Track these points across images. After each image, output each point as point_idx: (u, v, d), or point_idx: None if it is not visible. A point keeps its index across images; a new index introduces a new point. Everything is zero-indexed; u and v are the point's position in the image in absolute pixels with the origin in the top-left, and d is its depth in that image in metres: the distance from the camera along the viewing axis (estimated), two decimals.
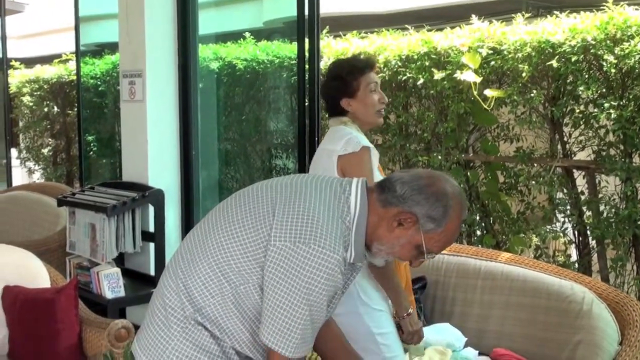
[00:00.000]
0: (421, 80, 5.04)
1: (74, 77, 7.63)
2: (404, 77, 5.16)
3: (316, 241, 1.78)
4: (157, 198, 5.01)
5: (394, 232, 1.89)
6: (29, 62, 9.97)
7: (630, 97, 4.21)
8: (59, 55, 8.77)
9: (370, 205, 1.90)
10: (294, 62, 5.09)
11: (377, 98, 2.85)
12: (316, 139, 4.61)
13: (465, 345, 3.21)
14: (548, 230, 4.85)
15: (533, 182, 4.84)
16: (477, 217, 5.14)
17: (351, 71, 2.83)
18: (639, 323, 2.90)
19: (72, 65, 8.17)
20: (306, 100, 4.67)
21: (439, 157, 5.11)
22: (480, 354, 3.19)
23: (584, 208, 4.70)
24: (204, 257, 1.88)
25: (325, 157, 2.72)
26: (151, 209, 5.04)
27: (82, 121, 6.90)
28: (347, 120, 2.80)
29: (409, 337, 2.73)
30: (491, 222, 5.15)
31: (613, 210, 4.49)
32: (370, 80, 2.84)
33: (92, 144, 7.25)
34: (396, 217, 1.88)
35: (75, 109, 7.44)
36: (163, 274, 1.99)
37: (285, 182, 1.95)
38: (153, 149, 5.18)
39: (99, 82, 7.18)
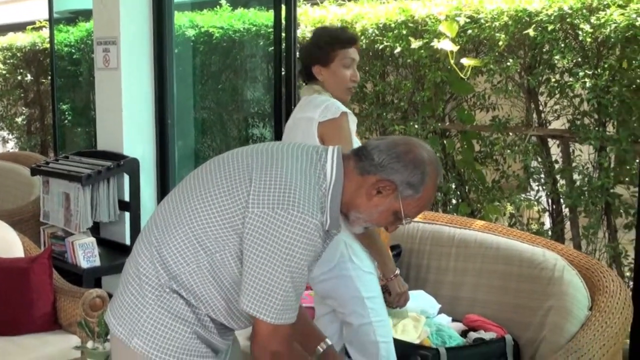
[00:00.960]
0: (398, 49, 5.02)
1: (48, 45, 7.53)
2: (381, 46, 5.14)
3: (295, 206, 1.77)
4: (132, 167, 4.98)
5: (372, 200, 1.89)
6: (1, 30, 9.81)
7: (605, 66, 4.23)
8: (32, 23, 8.62)
9: (346, 173, 1.90)
10: (270, 30, 5.05)
11: (349, 74, 2.82)
12: (292, 107, 4.59)
13: (439, 312, 3.24)
14: (522, 198, 4.89)
15: (508, 150, 4.86)
16: (453, 186, 5.17)
17: (330, 42, 2.81)
18: (609, 289, 2.94)
19: (45, 32, 8.04)
20: (283, 69, 4.64)
21: (416, 126, 5.11)
22: (453, 320, 3.22)
23: (558, 177, 4.74)
24: (179, 225, 1.86)
25: (303, 126, 2.70)
26: (126, 178, 5.02)
27: (56, 90, 6.82)
28: (320, 88, 2.79)
29: (396, 299, 2.76)
30: (466, 190, 5.18)
31: (586, 179, 4.53)
32: (347, 55, 2.81)
33: (66, 113, 7.17)
34: (375, 185, 1.88)
35: (49, 78, 7.34)
36: (136, 242, 1.97)
37: (261, 149, 1.94)
38: (128, 118, 5.14)
39: (73, 50, 7.08)
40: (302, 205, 1.77)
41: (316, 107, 2.70)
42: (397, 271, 2.78)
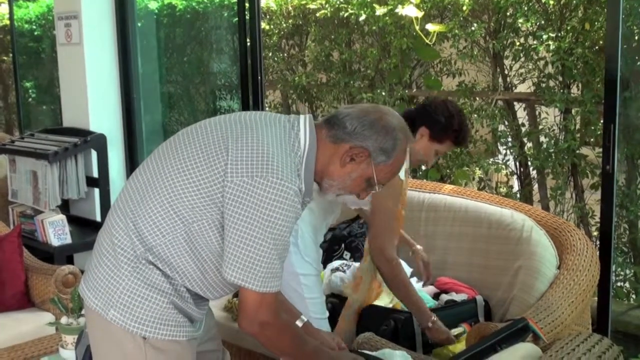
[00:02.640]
0: (363, 17, 5.01)
1: (7, 22, 7.38)
2: (346, 14, 5.12)
3: (273, 173, 1.77)
4: (99, 143, 4.94)
5: (345, 167, 1.92)
6: None
7: (568, 28, 4.27)
8: None
9: (319, 141, 1.92)
10: (234, 0, 5.01)
11: (432, 158, 2.87)
12: (259, 77, 4.57)
13: (411, 276, 3.26)
14: (491, 162, 4.94)
15: (475, 115, 4.90)
16: None
17: (455, 130, 2.80)
18: (576, 247, 2.99)
19: (4, 9, 7.88)
20: (248, 40, 4.61)
21: (383, 94, 5.12)
22: (425, 284, 3.26)
23: (525, 139, 4.79)
24: (155, 196, 1.86)
25: None
26: (94, 154, 4.97)
27: (18, 67, 6.71)
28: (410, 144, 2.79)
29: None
30: None
31: (552, 141, 4.58)
32: (447, 149, 2.87)
33: (30, 91, 7.06)
34: (348, 153, 1.91)
35: (11, 55, 7.21)
36: (109, 215, 1.96)
37: (233, 118, 1.94)
38: (93, 93, 5.08)
39: (34, 27, 6.96)
40: (280, 172, 1.78)
41: None
42: (434, 317, 2.78)
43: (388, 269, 2.74)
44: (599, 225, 3.75)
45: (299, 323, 2.21)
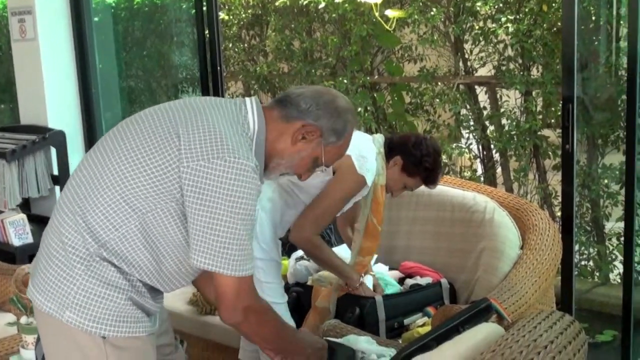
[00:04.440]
0: (322, 4, 4.99)
1: None
2: (306, 2, 5.09)
3: (230, 153, 1.74)
4: (58, 140, 4.85)
5: (296, 145, 1.93)
6: None
7: (527, 10, 4.29)
8: None
9: (268, 121, 1.91)
10: None
11: (398, 187, 2.89)
12: (219, 69, 4.53)
13: (376, 262, 3.26)
14: (454, 147, 4.95)
15: (437, 100, 4.91)
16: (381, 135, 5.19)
17: (426, 169, 2.83)
18: (538, 227, 3.00)
19: None
20: (206, 31, 4.55)
21: (345, 81, 5.11)
22: (390, 269, 3.26)
23: (487, 123, 4.81)
24: (104, 189, 1.80)
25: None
26: (54, 151, 4.89)
27: None
28: (381, 159, 2.80)
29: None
30: None
31: (514, 123, 4.61)
32: (417, 184, 2.88)
33: None
34: (300, 131, 1.91)
35: None
36: (55, 213, 1.89)
37: (179, 104, 1.90)
38: (50, 90, 4.98)
39: None
40: (236, 151, 1.76)
41: (364, 151, 2.72)
42: (362, 279, 2.89)
43: (314, 252, 2.80)
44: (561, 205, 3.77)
45: None
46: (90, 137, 5.18)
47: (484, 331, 1.89)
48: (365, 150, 2.73)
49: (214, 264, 1.75)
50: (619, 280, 4.32)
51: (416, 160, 2.82)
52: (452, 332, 1.93)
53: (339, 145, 1.99)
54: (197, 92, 5.63)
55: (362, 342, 2.34)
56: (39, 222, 4.88)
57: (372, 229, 2.88)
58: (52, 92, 5.00)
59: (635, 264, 3.47)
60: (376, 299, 2.85)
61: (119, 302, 1.81)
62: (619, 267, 4.36)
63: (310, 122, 1.92)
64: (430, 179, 2.87)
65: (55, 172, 4.89)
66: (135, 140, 1.83)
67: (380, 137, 2.88)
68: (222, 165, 1.73)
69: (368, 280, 2.98)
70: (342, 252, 3.10)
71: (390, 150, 2.84)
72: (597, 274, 4.46)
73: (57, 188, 4.91)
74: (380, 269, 3.21)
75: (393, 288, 3.05)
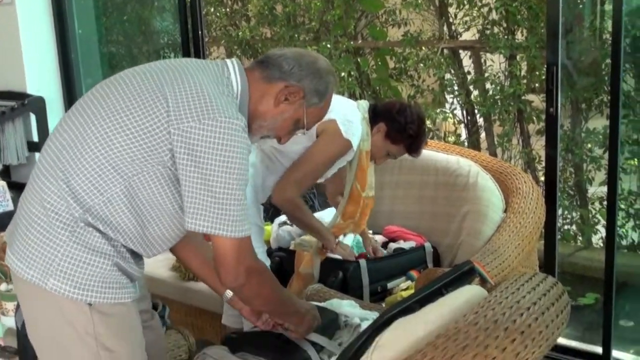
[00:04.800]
0: None
1: None
2: None
3: (220, 113, 1.71)
4: (38, 106, 4.78)
5: (279, 106, 1.91)
6: None
7: None
8: None
9: (251, 82, 1.88)
10: None
11: (381, 154, 2.87)
12: (200, 33, 4.46)
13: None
14: (438, 112, 4.94)
15: (422, 65, 4.88)
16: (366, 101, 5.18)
17: (409, 136, 2.80)
18: (522, 190, 2.99)
19: None
20: None
21: (328, 46, 5.06)
22: (373, 233, 3.25)
23: (471, 87, 4.79)
24: (88, 153, 1.74)
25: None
26: (33, 117, 4.82)
27: None
28: (366, 125, 2.78)
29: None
30: None
31: (498, 87, 4.60)
32: (400, 152, 2.86)
33: None
34: (283, 92, 1.89)
35: None
36: (35, 177, 1.83)
37: (160, 65, 1.86)
38: (29, 55, 4.89)
39: None
40: (226, 111, 1.73)
41: (348, 115, 2.70)
42: (337, 239, 2.88)
43: (294, 213, 2.80)
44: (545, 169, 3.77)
45: None
46: (71, 103, 5.10)
47: (467, 293, 1.88)
48: (350, 115, 2.71)
49: (213, 226, 1.72)
50: (601, 244, 4.35)
51: (400, 127, 2.79)
52: (435, 294, 1.91)
53: (320, 107, 1.97)
54: (178, 57, 5.56)
55: (345, 306, 2.34)
56: (19, 189, 4.79)
57: (355, 194, 2.87)
58: (30, 58, 4.90)
59: (618, 228, 3.49)
60: (360, 263, 2.85)
61: (105, 268, 1.77)
62: (601, 231, 4.39)
63: (293, 83, 1.90)
64: (414, 147, 2.85)
65: (35, 138, 4.83)
66: (120, 102, 1.78)
67: (364, 103, 2.86)
68: (213, 126, 1.70)
69: (349, 239, 2.97)
70: (326, 217, 3.09)
71: (375, 116, 2.82)
72: (580, 237, 4.48)
73: (37, 155, 4.85)
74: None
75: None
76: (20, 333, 2.24)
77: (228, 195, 1.72)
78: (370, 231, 3.22)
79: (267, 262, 2.78)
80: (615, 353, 3.26)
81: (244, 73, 1.88)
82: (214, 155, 1.70)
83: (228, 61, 1.90)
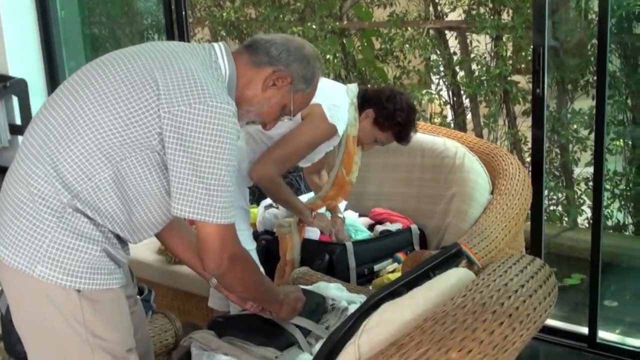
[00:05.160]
0: None
1: None
2: None
3: (211, 97, 1.69)
4: (20, 88, 4.72)
5: (266, 92, 1.90)
6: None
7: None
8: None
9: (238, 66, 1.87)
10: None
11: (369, 141, 2.85)
12: (184, 13, 4.41)
13: (346, 209, 3.25)
14: (424, 93, 4.92)
15: (407, 45, 4.85)
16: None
17: (399, 124, 2.78)
18: (508, 172, 2.99)
19: None
20: None
21: (314, 27, 5.02)
22: (360, 215, 3.24)
23: (457, 68, 4.78)
24: (76, 137, 1.71)
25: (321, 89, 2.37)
26: (15, 100, 4.76)
27: None
28: (354, 110, 2.76)
29: (331, 231, 2.93)
30: None
31: (484, 68, 4.58)
32: (389, 140, 2.84)
33: None
34: (272, 77, 1.89)
35: None
36: (19, 162, 1.78)
37: (148, 48, 1.82)
38: (10, 37, 4.82)
39: None
40: (217, 96, 1.71)
41: (335, 99, 2.68)
42: (314, 213, 2.89)
43: (273, 189, 2.78)
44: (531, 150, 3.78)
45: None
46: (53, 85, 5.05)
47: (455, 276, 1.87)
48: (337, 100, 2.69)
49: (199, 212, 1.70)
50: (587, 225, 4.37)
51: (388, 113, 2.77)
52: (422, 277, 1.91)
53: (307, 93, 1.98)
54: (162, 39, 5.49)
55: (332, 289, 2.33)
56: (1, 172, 4.77)
57: (340, 179, 2.86)
58: (12, 40, 4.84)
59: (604, 209, 3.50)
60: (346, 246, 2.84)
61: (94, 254, 1.75)
62: (587, 212, 4.41)
63: (282, 69, 1.89)
64: (402, 135, 2.82)
65: (18, 121, 4.77)
66: (108, 85, 1.74)
67: (354, 87, 2.83)
68: (204, 110, 1.68)
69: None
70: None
71: (364, 102, 2.80)
72: (566, 218, 4.50)
73: (20, 138, 4.80)
74: (350, 216, 3.20)
75: (363, 234, 3.04)
76: (5, 318, 2.22)
77: (216, 181, 1.70)
78: (357, 214, 3.21)
79: (253, 245, 2.77)
80: (600, 333, 3.28)
81: (231, 57, 1.86)
82: (203, 140, 1.68)
83: (215, 45, 1.88)
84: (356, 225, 3.08)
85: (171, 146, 1.69)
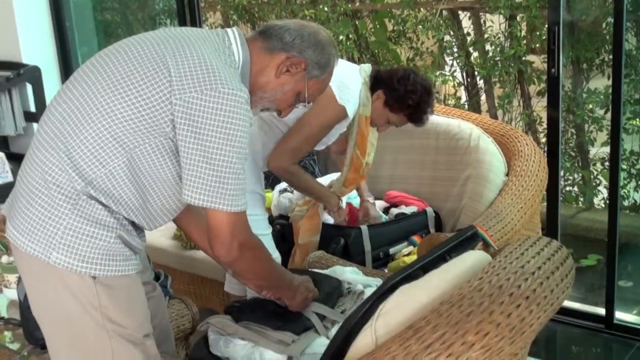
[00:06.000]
0: None
1: None
2: None
3: (223, 84, 1.69)
4: (33, 75, 4.75)
5: (280, 78, 1.90)
6: None
7: None
8: None
9: (252, 53, 1.87)
10: None
11: (382, 122, 2.80)
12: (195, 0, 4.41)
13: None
14: (438, 75, 4.89)
15: (420, 27, 4.82)
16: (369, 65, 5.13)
17: (410, 106, 2.72)
18: (523, 153, 2.97)
19: None
20: None
21: (326, 9, 5.00)
22: (375, 199, 3.23)
23: (471, 49, 4.74)
24: (89, 124, 1.72)
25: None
26: (29, 87, 4.79)
27: None
28: (366, 92, 2.72)
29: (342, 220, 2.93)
30: None
31: (498, 49, 4.55)
32: (402, 122, 2.79)
33: None
34: (285, 63, 1.88)
35: None
36: (34, 150, 1.80)
37: (160, 34, 1.83)
38: (22, 24, 4.85)
39: None
40: (229, 82, 1.71)
41: (348, 86, 2.64)
42: (340, 203, 2.89)
43: (291, 179, 2.81)
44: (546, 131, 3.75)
45: None
46: (67, 72, 5.08)
47: (471, 259, 1.86)
48: (348, 80, 2.66)
49: (209, 200, 1.70)
50: (603, 205, 4.34)
51: (399, 96, 2.72)
52: (438, 260, 1.90)
53: (322, 79, 1.97)
54: (174, 24, 5.49)
55: (348, 273, 2.33)
56: (18, 160, 4.79)
57: (356, 161, 2.84)
58: (24, 27, 4.87)
59: (620, 189, 3.47)
60: (361, 229, 2.83)
61: (109, 240, 1.76)
62: (603, 192, 4.38)
63: (295, 55, 1.89)
64: (415, 118, 2.77)
65: (32, 109, 4.80)
66: (121, 72, 1.75)
67: (367, 67, 2.80)
68: (215, 97, 1.68)
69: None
70: (325, 183, 3.07)
71: (376, 82, 2.76)
72: (582, 199, 4.47)
73: (35, 125, 4.83)
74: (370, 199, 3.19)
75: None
76: (23, 305, 2.24)
77: (227, 168, 1.70)
78: (372, 197, 3.19)
79: (269, 229, 2.76)
80: (618, 314, 3.27)
81: (245, 43, 1.86)
82: (215, 127, 1.68)
83: (229, 30, 1.88)
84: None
85: (182, 132, 1.69)
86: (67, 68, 5.08)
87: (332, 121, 2.68)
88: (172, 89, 1.70)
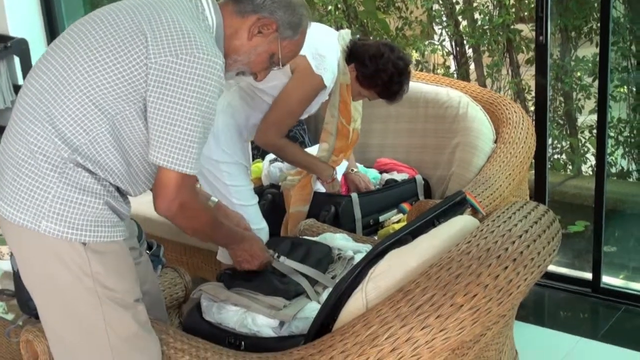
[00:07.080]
0: None
1: None
2: None
3: (198, 49, 1.72)
4: (21, 48, 4.70)
5: (252, 40, 1.92)
6: None
7: None
8: None
9: (224, 16, 1.90)
10: None
11: (355, 95, 2.77)
12: None
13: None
14: (427, 44, 4.89)
15: None
16: (357, 37, 5.11)
17: (384, 82, 2.69)
18: (512, 120, 2.99)
19: None
20: None
21: None
22: (366, 167, 3.25)
23: (460, 18, 4.74)
24: (70, 92, 1.74)
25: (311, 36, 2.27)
26: (17, 60, 4.75)
27: None
28: (343, 64, 2.69)
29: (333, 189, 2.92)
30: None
31: (487, 17, 4.55)
32: (371, 97, 2.76)
33: None
34: (256, 24, 1.91)
35: None
36: (16, 120, 1.80)
37: (138, 2, 1.83)
38: None
39: None
40: (204, 47, 1.73)
41: (323, 55, 2.60)
42: (334, 173, 2.88)
43: (280, 154, 2.83)
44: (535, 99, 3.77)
45: (210, 204, 2.24)
46: None
47: (460, 223, 1.89)
48: (323, 48, 2.63)
49: (171, 160, 1.74)
50: (591, 173, 4.38)
51: (369, 73, 2.69)
52: (427, 225, 1.93)
53: (295, 40, 1.98)
54: None
55: (338, 239, 2.36)
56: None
57: (342, 129, 2.83)
58: None
59: (607, 156, 3.51)
60: (352, 197, 2.85)
61: (97, 207, 1.78)
62: (591, 160, 4.42)
63: (266, 15, 1.91)
64: (385, 96, 2.75)
65: (20, 81, 4.76)
66: (98, 41, 1.76)
67: (346, 34, 2.75)
68: (190, 62, 1.71)
69: (342, 167, 3.00)
70: (315, 152, 3.08)
71: (351, 55, 2.72)
72: (570, 166, 4.51)
73: None
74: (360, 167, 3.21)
75: (374, 179, 3.09)
76: (17, 276, 2.26)
77: (192, 132, 1.73)
78: (362, 165, 3.21)
79: (254, 200, 2.77)
80: (604, 278, 3.32)
81: (218, 8, 1.88)
82: (186, 90, 1.70)
83: None
84: (368, 173, 3.11)
85: (152, 94, 1.72)
86: (54, 39, 5.04)
87: (312, 91, 2.65)
88: (148, 54, 1.72)
